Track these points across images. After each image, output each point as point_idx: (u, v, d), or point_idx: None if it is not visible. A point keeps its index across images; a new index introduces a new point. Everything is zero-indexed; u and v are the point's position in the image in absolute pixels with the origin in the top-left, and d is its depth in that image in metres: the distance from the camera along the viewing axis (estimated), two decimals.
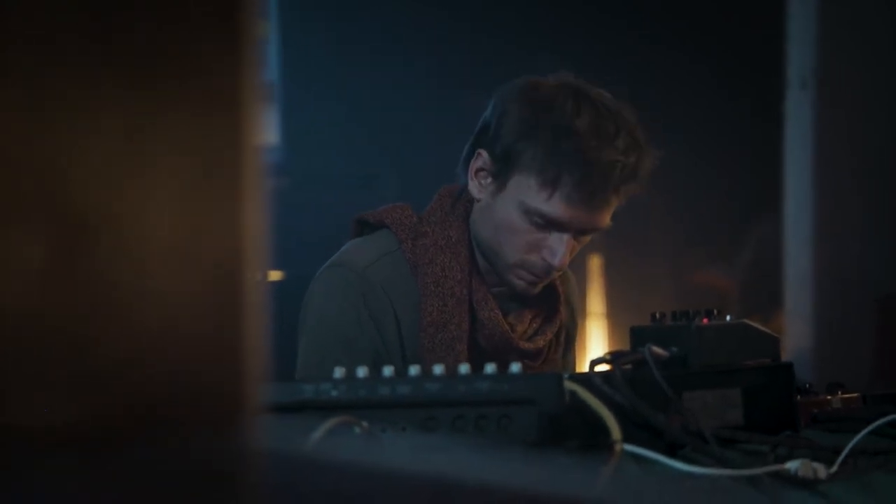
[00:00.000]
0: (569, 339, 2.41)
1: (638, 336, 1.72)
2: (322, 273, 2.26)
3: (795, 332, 5.99)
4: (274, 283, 6.17)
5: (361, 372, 1.55)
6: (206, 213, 0.61)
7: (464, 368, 1.52)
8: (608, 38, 6.95)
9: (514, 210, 2.16)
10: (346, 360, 1.78)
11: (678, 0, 7.05)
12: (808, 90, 5.80)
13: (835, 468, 1.50)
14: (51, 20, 0.58)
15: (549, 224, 2.14)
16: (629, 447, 1.48)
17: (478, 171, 2.21)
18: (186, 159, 0.60)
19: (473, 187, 2.21)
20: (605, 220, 2.18)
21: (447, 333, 2.16)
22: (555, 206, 2.12)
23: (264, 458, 0.61)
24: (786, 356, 5.88)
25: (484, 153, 2.20)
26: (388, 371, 1.54)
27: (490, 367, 1.51)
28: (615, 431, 1.44)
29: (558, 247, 2.14)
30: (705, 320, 1.73)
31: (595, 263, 7.68)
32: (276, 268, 6.20)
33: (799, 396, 1.80)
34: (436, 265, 2.20)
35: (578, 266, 7.61)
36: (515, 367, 1.51)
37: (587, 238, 2.21)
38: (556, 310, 2.29)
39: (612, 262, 7.59)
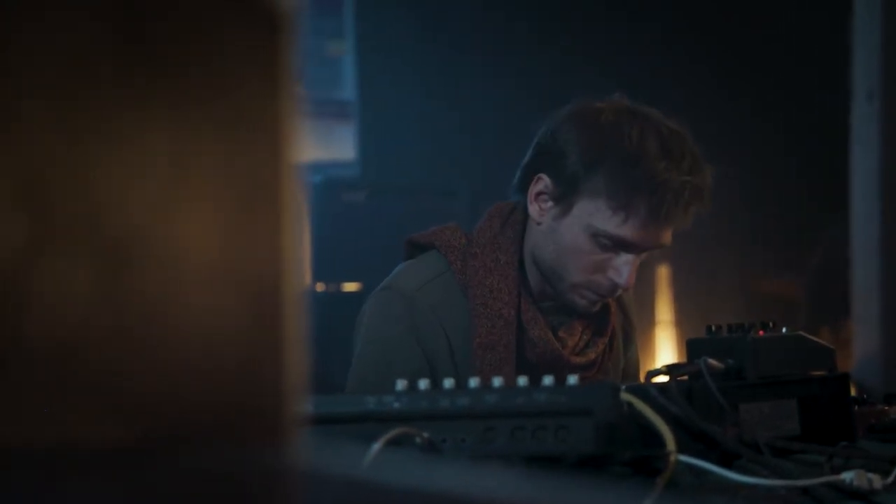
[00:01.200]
0: (627, 339, 2.40)
1: (694, 348, 1.71)
2: (373, 296, 2.26)
3: (864, 339, 5.93)
4: (351, 293, 6.22)
5: (423, 384, 1.55)
6: (246, 232, 0.61)
7: (522, 381, 1.52)
8: (678, 59, 6.93)
9: (581, 233, 2.15)
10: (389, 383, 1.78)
11: (747, 21, 7.01)
12: (874, 101, 5.76)
13: (891, 479, 1.48)
14: (91, 43, 0.58)
15: (618, 245, 2.14)
16: (684, 458, 1.47)
17: (538, 194, 2.20)
18: (226, 180, 0.60)
19: (534, 211, 2.20)
20: (669, 238, 2.18)
21: (495, 355, 2.16)
22: (628, 230, 2.12)
23: (302, 476, 0.61)
24: (854, 364, 5.85)
25: (545, 178, 2.18)
26: (448, 383, 1.55)
27: (548, 379, 1.51)
28: (670, 442, 1.43)
29: (625, 267, 2.14)
30: (761, 332, 1.72)
31: (663, 272, 7.64)
32: (354, 279, 6.25)
33: (857, 407, 1.78)
34: (484, 287, 2.19)
35: (647, 275, 7.59)
36: (572, 379, 1.50)
37: (646, 255, 2.19)
38: (607, 321, 2.28)
39: (681, 270, 7.55)
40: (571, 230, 2.16)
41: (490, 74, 6.38)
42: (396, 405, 1.52)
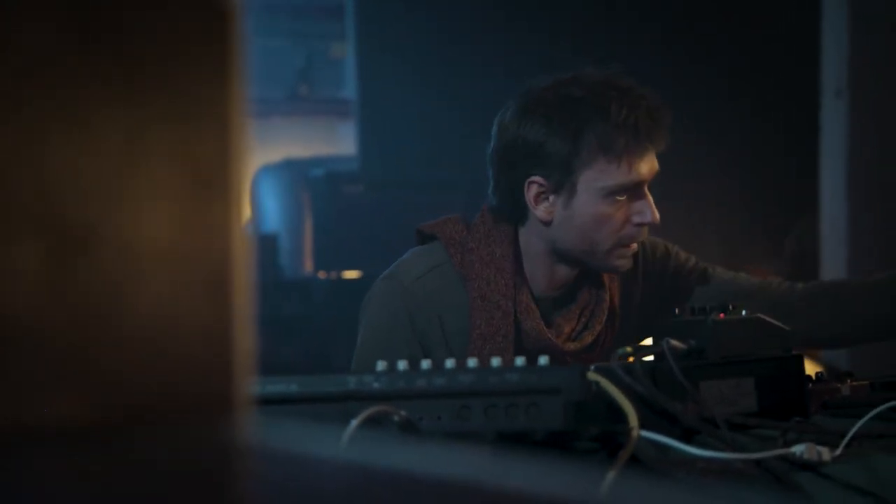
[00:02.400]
0: (675, 279, 2.33)
1: (659, 330, 1.72)
2: (377, 283, 2.25)
3: None
4: (351, 281, 6.22)
5: (402, 365, 1.55)
6: (198, 219, 0.60)
7: (495, 361, 1.52)
8: (654, 56, 6.91)
9: (598, 201, 2.13)
10: None
11: (717, 19, 7.00)
12: (842, 99, 5.75)
13: (839, 451, 1.49)
14: (42, 32, 0.58)
15: (631, 191, 2.14)
16: (646, 433, 1.47)
17: (537, 196, 2.16)
18: (178, 170, 0.60)
19: (541, 213, 2.16)
20: (656, 161, 2.18)
21: (494, 345, 2.15)
22: (634, 171, 2.12)
23: (253, 452, 0.61)
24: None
25: (537, 178, 2.15)
26: (425, 364, 1.55)
27: (520, 360, 1.51)
28: (633, 419, 1.43)
29: (645, 206, 2.15)
30: (721, 315, 1.72)
31: None
32: (353, 267, 6.25)
33: (811, 384, 1.78)
34: (482, 279, 2.18)
35: None
36: (543, 360, 1.51)
37: None
38: (601, 298, 2.25)
39: None
40: (587, 205, 2.13)
41: (486, 73, 6.37)
42: (376, 385, 1.52)
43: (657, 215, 2.16)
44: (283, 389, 1.55)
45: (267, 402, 1.54)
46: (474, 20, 6.74)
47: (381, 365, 1.56)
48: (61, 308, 0.57)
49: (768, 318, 1.75)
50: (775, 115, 6.84)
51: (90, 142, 0.58)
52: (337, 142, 8.22)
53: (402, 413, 1.49)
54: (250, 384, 0.62)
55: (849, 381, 1.81)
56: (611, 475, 1.37)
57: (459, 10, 6.82)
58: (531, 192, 2.16)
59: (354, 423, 1.44)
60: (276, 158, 7.90)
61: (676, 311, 1.76)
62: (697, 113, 7.27)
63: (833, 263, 5.95)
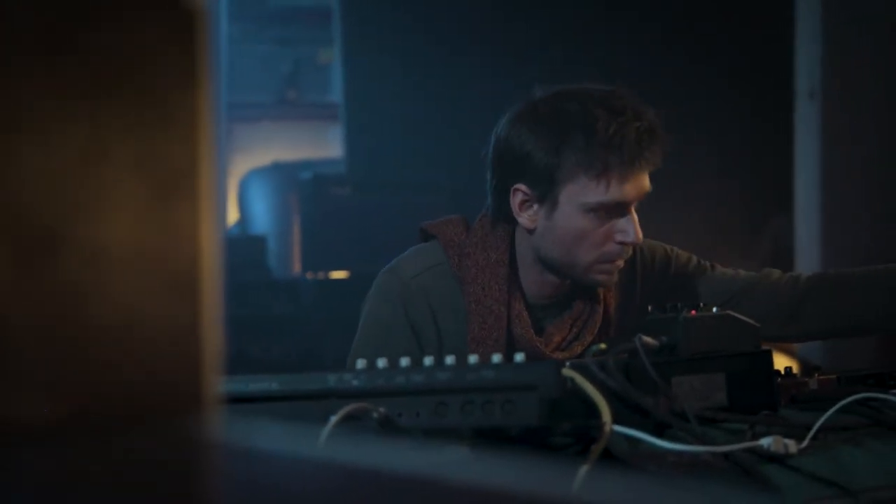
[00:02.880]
0: (676, 280, 2.32)
1: (633, 327, 1.72)
2: (379, 276, 2.26)
3: None
4: (339, 281, 6.22)
5: (381, 363, 1.55)
6: (164, 221, 0.60)
7: (473, 358, 1.52)
8: (632, 58, 6.92)
9: (578, 215, 2.11)
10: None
11: (694, 21, 7.02)
12: (816, 100, 5.77)
13: (805, 443, 1.49)
14: (9, 37, 0.57)
15: (613, 210, 2.11)
16: (619, 428, 1.48)
17: (521, 204, 2.16)
18: (144, 173, 0.60)
19: (524, 221, 2.15)
20: (648, 182, 2.15)
21: (486, 347, 2.14)
22: (615, 190, 2.08)
23: (219, 449, 0.61)
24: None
25: (522, 187, 2.14)
26: (404, 362, 1.55)
27: (496, 357, 1.51)
28: (606, 414, 1.43)
29: (629, 225, 2.11)
30: (693, 312, 1.72)
31: None
32: (341, 268, 6.25)
33: (780, 379, 1.78)
34: (477, 284, 2.17)
35: None
36: (519, 357, 1.51)
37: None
38: (595, 309, 2.23)
39: None
40: (567, 218, 2.11)
41: (470, 78, 6.37)
42: (355, 382, 1.52)
43: (640, 235, 2.13)
44: (264, 388, 1.55)
45: (249, 400, 1.54)
46: (459, 26, 6.75)
47: (361, 363, 1.56)
48: (27, 311, 0.57)
49: (739, 315, 1.76)
50: (751, 116, 6.86)
51: (56, 146, 0.58)
52: (325, 145, 8.21)
53: (381, 410, 1.49)
54: (218, 383, 0.62)
55: (817, 375, 1.82)
56: (584, 469, 1.38)
57: (444, 16, 6.82)
58: (516, 199, 2.15)
59: (334, 419, 1.45)
60: (264, 162, 7.90)
61: (649, 308, 1.76)
62: (674, 114, 7.24)
63: (807, 262, 5.97)
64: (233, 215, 7.84)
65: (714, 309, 1.75)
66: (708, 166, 7.31)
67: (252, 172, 7.83)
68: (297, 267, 7.10)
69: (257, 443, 0.64)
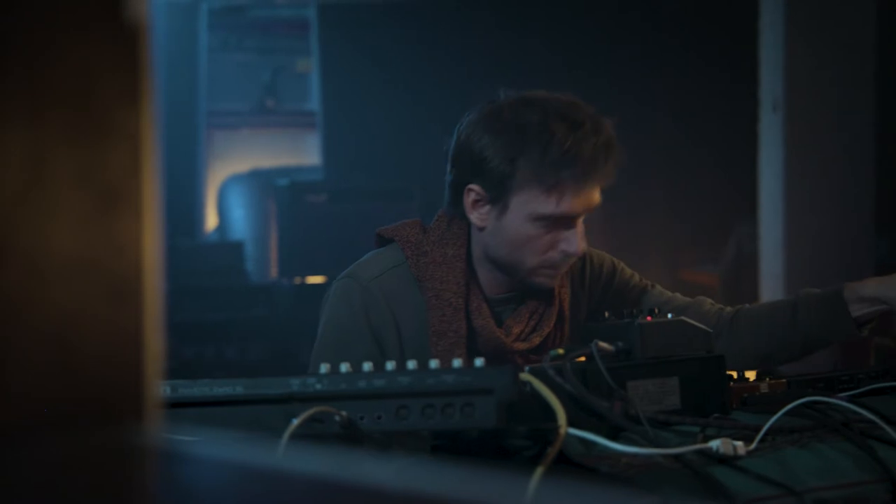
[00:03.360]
0: (618, 293, 2.34)
1: (589, 332, 1.73)
2: (336, 282, 2.25)
3: None
4: (315, 285, 6.22)
5: (344, 367, 1.55)
6: (106, 231, 0.60)
7: (433, 363, 1.52)
8: (607, 72, 6.95)
9: (526, 222, 2.12)
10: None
11: (665, 38, 7.06)
12: (779, 112, 5.80)
13: (753, 445, 1.50)
14: None
15: (560, 221, 2.12)
16: (574, 431, 1.48)
17: (474, 203, 2.16)
18: (85, 185, 0.60)
19: (476, 219, 2.16)
20: (598, 197, 2.15)
21: (447, 341, 2.14)
22: (565, 205, 2.09)
23: (160, 453, 0.61)
24: None
25: (475, 187, 2.15)
26: (367, 366, 1.55)
27: (457, 362, 1.51)
28: (561, 418, 1.44)
29: (573, 237, 2.12)
30: (648, 318, 1.73)
31: None
32: (317, 273, 6.24)
33: (732, 383, 1.79)
34: (436, 279, 2.17)
35: None
36: (479, 362, 1.51)
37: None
38: (551, 303, 2.24)
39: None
40: (515, 223, 2.12)
41: (444, 88, 6.37)
42: (318, 386, 1.52)
43: (583, 247, 2.14)
44: (229, 391, 1.55)
45: (214, 403, 1.54)
46: (433, 38, 6.76)
47: (324, 367, 1.56)
48: None
49: (691, 321, 1.77)
50: (718, 128, 6.89)
51: (4, 161, 0.58)
52: (302, 152, 8.21)
53: (343, 413, 1.49)
54: (159, 389, 0.62)
55: (767, 379, 1.83)
56: (539, 471, 1.38)
57: (419, 28, 6.83)
58: (469, 197, 2.16)
59: (296, 422, 1.45)
60: (243, 169, 7.89)
61: (606, 314, 1.77)
62: (646, 126, 7.31)
63: (771, 267, 6.00)
64: (212, 221, 7.82)
65: (669, 315, 1.76)
66: (680, 179, 7.35)
67: (231, 179, 7.82)
68: (274, 272, 7.09)
69: (195, 448, 0.64)
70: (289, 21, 8.00)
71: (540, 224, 2.11)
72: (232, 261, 6.49)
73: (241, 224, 7.54)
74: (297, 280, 6.26)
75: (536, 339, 2.21)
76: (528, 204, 2.10)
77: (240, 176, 7.78)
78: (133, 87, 0.61)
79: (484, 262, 2.21)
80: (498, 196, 2.12)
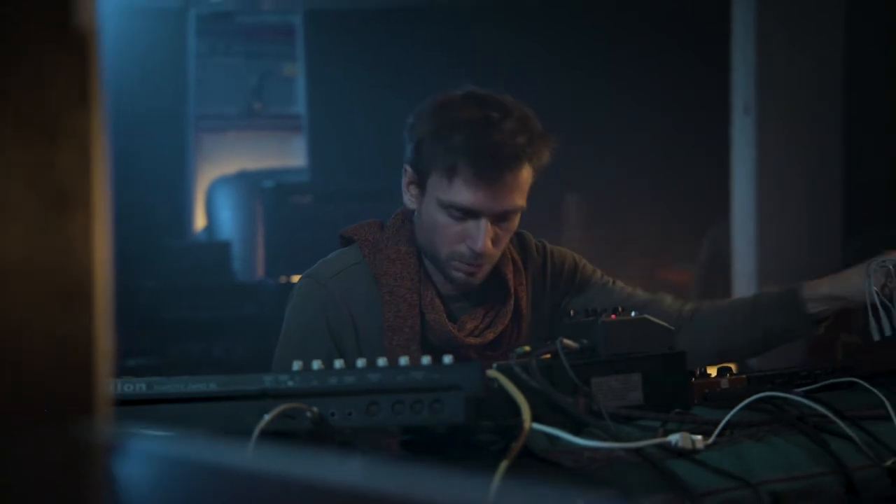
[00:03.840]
0: (580, 289, 2.34)
1: (555, 330, 1.73)
2: (299, 281, 2.25)
3: None
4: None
5: (316, 364, 1.55)
6: (55, 234, 0.60)
7: (403, 360, 1.52)
8: (596, 81, 6.96)
9: (435, 208, 2.11)
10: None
11: (643, 46, 7.08)
12: (750, 115, 5.81)
13: (711, 439, 1.51)
14: None
15: (465, 213, 2.09)
16: (540, 426, 1.49)
17: (408, 184, 2.17)
18: (34, 188, 0.60)
19: (407, 200, 2.17)
20: (516, 201, 2.11)
21: (402, 336, 2.14)
22: (458, 193, 2.07)
23: (110, 450, 0.61)
24: None
25: (409, 168, 2.16)
26: (338, 364, 1.55)
27: (426, 359, 1.51)
28: (526, 413, 1.44)
29: (477, 233, 2.09)
30: (612, 316, 1.73)
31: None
32: (301, 272, 6.24)
33: (693, 379, 1.80)
34: (390, 276, 2.17)
35: None
36: (447, 359, 1.51)
37: (511, 224, 2.15)
38: (506, 301, 2.23)
39: (597, 260, 7.57)
40: (429, 208, 2.12)
41: (424, 92, 6.37)
42: (290, 383, 1.52)
43: (485, 247, 2.10)
44: (202, 388, 1.54)
45: (187, 399, 1.54)
46: (416, 41, 6.76)
47: (296, 364, 1.56)
48: None
49: (655, 319, 1.77)
50: (694, 132, 6.90)
51: None
52: (289, 154, 8.20)
53: (314, 409, 1.50)
54: (109, 387, 0.62)
55: (728, 375, 1.83)
56: (503, 465, 1.39)
57: (402, 33, 6.84)
58: (406, 177, 2.17)
59: (267, 417, 1.45)
60: (231, 171, 7.87)
61: (571, 312, 1.78)
62: (625, 134, 7.33)
63: (743, 266, 6.01)
64: (200, 221, 7.81)
65: (632, 313, 1.77)
66: (657, 182, 7.36)
67: (218, 180, 7.80)
68: (260, 271, 7.08)
69: (149, 443, 0.64)
70: (275, 27, 8.00)
71: (446, 213, 2.10)
72: (219, 260, 6.48)
73: (229, 225, 7.53)
74: (283, 279, 6.25)
75: (490, 335, 2.20)
76: (434, 188, 2.10)
77: (227, 178, 7.77)
78: (83, 91, 0.61)
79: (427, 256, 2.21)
80: (420, 178, 2.12)
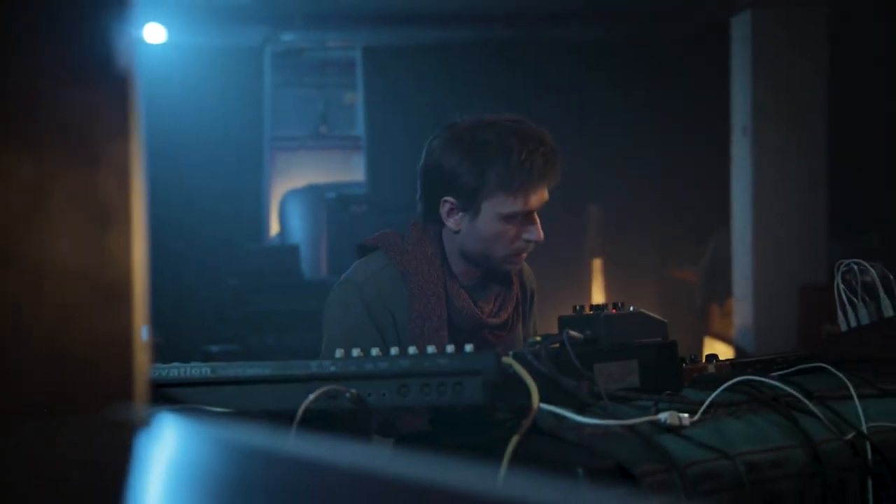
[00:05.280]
0: (529, 306, 2.41)
1: (563, 323, 1.72)
2: (335, 287, 2.25)
3: (741, 314, 5.94)
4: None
5: (355, 352, 1.55)
6: (99, 247, 0.61)
7: (430, 349, 1.52)
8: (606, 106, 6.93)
9: (496, 222, 2.16)
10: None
11: (651, 75, 7.03)
12: (748, 136, 5.77)
13: (696, 417, 1.49)
14: None
15: (523, 216, 2.17)
16: (548, 406, 1.48)
17: (450, 211, 2.19)
18: (82, 205, 0.60)
19: (452, 224, 2.19)
20: (547, 192, 2.21)
21: (431, 322, 2.15)
22: (525, 203, 2.15)
23: (144, 428, 0.61)
24: (734, 331, 5.77)
25: (450, 199, 2.17)
26: (374, 351, 1.55)
27: (450, 348, 1.51)
28: (535, 395, 1.43)
29: (534, 226, 2.18)
30: (613, 310, 1.72)
31: (597, 264, 7.63)
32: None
33: (684, 364, 1.78)
34: (418, 273, 2.18)
35: (586, 267, 7.57)
36: (468, 348, 1.51)
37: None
38: (511, 292, 2.29)
39: (611, 262, 7.55)
40: (487, 224, 2.17)
41: (463, 116, 6.37)
42: (332, 368, 1.52)
43: (542, 234, 2.19)
44: (258, 372, 1.55)
45: (245, 382, 1.54)
46: (457, 73, 6.76)
47: (338, 352, 1.56)
48: None
49: (650, 313, 1.76)
50: (698, 150, 6.86)
51: (8, 180, 0.59)
52: (349, 170, 8.23)
53: (353, 391, 1.50)
54: (146, 377, 0.62)
55: (715, 361, 1.82)
56: (514, 440, 1.38)
57: (446, 66, 6.84)
58: (444, 208, 2.19)
59: (311, 397, 1.46)
60: (300, 184, 7.92)
61: (576, 307, 1.76)
62: (642, 151, 7.29)
63: (742, 267, 5.97)
64: (274, 228, 7.85)
65: (630, 308, 1.76)
66: (666, 192, 7.31)
67: (290, 193, 7.84)
68: (324, 270, 7.10)
69: (180, 424, 0.64)
70: (338, 61, 8.03)
71: (507, 221, 2.15)
72: (290, 261, 6.51)
73: (298, 230, 7.56)
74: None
75: (504, 316, 2.26)
76: (496, 207, 2.15)
77: (297, 190, 7.81)
78: (122, 124, 0.62)
79: (457, 257, 2.23)
80: (470, 204, 2.15)
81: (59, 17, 0.61)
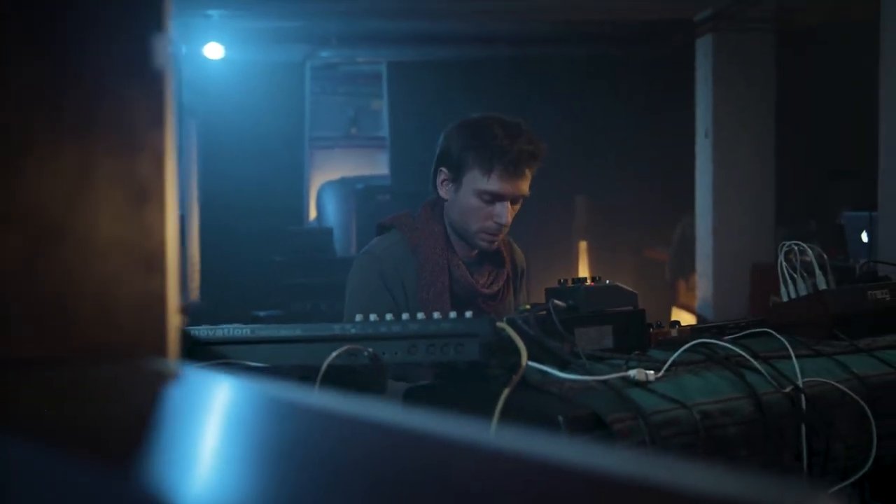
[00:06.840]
0: (515, 287, 2.39)
1: (549, 293, 1.70)
2: (357, 257, 2.26)
3: (703, 288, 5.91)
4: None
5: (372, 317, 1.54)
6: (138, 222, 0.59)
7: (436, 315, 1.50)
8: (598, 109, 6.88)
9: (471, 196, 2.15)
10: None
11: (628, 84, 6.98)
12: (709, 138, 5.73)
13: (660, 374, 1.47)
14: (28, 85, 0.57)
15: (494, 198, 2.14)
16: (535, 364, 1.46)
17: (442, 181, 2.20)
18: (123, 185, 0.59)
19: (442, 192, 2.21)
20: (525, 189, 2.16)
21: (435, 288, 2.15)
22: (494, 183, 2.12)
23: (175, 377, 0.60)
24: (696, 302, 5.72)
25: (444, 169, 2.20)
26: (388, 316, 1.53)
27: (453, 314, 1.50)
28: (523, 354, 1.42)
29: (502, 211, 2.14)
30: (591, 283, 1.70)
31: (583, 246, 7.61)
32: None
33: (651, 329, 1.76)
34: (426, 246, 2.19)
35: (572, 248, 7.55)
36: (468, 314, 1.49)
37: (517, 206, 2.20)
38: (502, 265, 2.28)
39: (595, 244, 7.53)
40: (465, 196, 2.16)
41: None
42: (353, 330, 1.51)
43: (508, 220, 2.16)
44: (290, 333, 1.53)
45: (279, 341, 1.53)
46: (470, 84, 6.72)
47: (358, 317, 1.54)
48: (40, 280, 0.57)
49: (623, 286, 1.74)
50: (669, 149, 6.82)
51: (60, 164, 0.57)
52: (376, 166, 8.21)
53: (370, 350, 1.48)
54: (177, 336, 0.61)
55: (677, 327, 1.79)
56: (505, 392, 1.37)
57: (461, 78, 6.80)
58: (439, 178, 2.20)
59: (334, 354, 1.44)
60: (334, 177, 7.90)
61: (561, 280, 1.75)
62: (621, 152, 7.23)
63: (704, 247, 5.94)
64: (312, 213, 7.84)
65: (607, 281, 1.74)
66: (642, 183, 7.27)
67: (325, 184, 7.83)
68: (353, 249, 7.09)
69: (206, 377, 0.62)
70: (367, 74, 8.01)
71: (480, 198, 2.13)
72: (325, 241, 6.50)
73: (332, 215, 7.56)
74: None
75: (496, 287, 2.25)
76: (472, 181, 2.13)
77: (332, 182, 7.79)
78: (159, 116, 0.60)
79: (453, 233, 2.23)
80: (456, 176, 2.16)
81: (107, 24, 0.59)
